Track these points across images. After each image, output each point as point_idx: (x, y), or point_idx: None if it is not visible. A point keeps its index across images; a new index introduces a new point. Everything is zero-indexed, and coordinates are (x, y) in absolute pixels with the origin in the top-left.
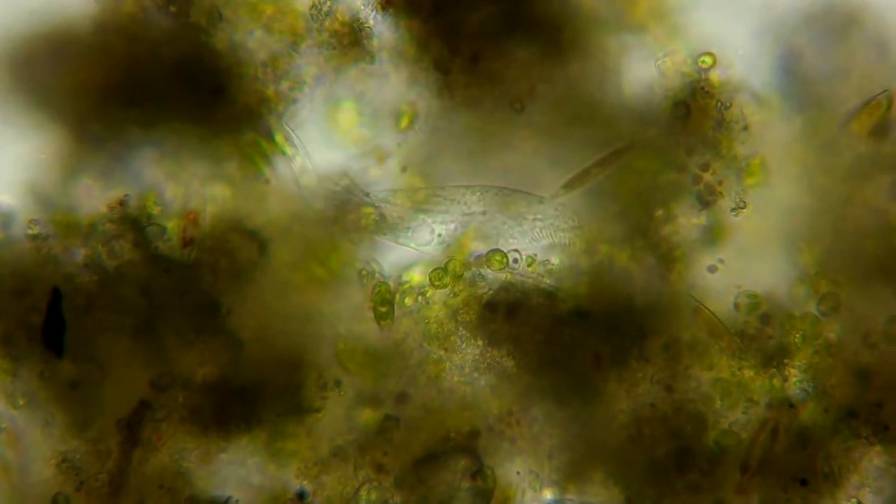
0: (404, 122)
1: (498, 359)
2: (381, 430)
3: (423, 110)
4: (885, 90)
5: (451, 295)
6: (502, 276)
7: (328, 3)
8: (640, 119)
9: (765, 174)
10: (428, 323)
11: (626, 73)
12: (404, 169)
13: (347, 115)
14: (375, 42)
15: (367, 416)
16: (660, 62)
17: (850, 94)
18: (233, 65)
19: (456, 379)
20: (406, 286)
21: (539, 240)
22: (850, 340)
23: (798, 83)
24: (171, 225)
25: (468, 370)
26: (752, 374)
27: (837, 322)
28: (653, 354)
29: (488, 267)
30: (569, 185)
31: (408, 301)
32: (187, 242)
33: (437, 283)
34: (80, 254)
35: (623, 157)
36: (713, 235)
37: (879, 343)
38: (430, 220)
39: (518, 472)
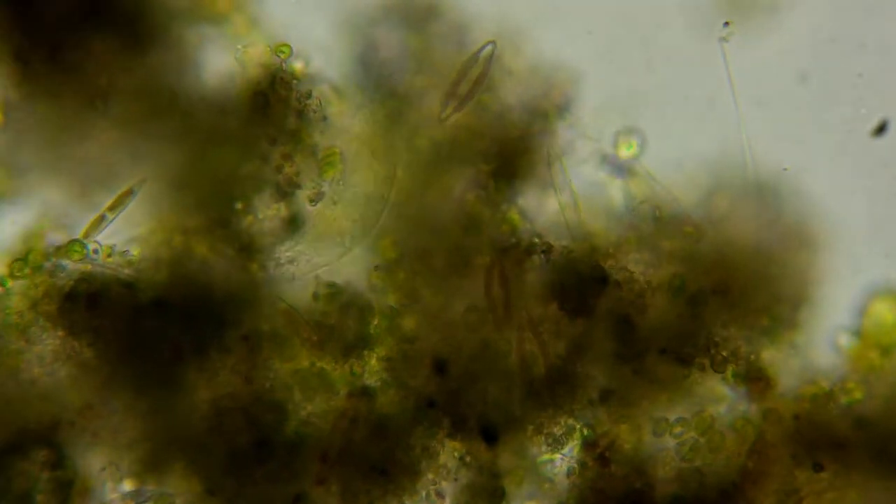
0: None
1: (78, 350)
2: None
3: (2, 101)
4: (491, 41)
5: (32, 285)
6: (82, 266)
7: None
8: (220, 110)
9: (344, 165)
10: (8, 313)
11: (206, 63)
12: None
13: None
14: None
15: None
16: (239, 53)
17: (429, 85)
18: None
19: (36, 370)
20: None
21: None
22: (428, 330)
23: (377, 74)
24: None
25: (49, 361)
26: (331, 364)
27: (416, 312)
28: (233, 345)
29: (67, 257)
30: (88, 233)
31: None
32: None
33: (17, 273)
34: None
35: (131, 197)
36: (292, 226)
37: (458, 332)
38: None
39: (103, 469)
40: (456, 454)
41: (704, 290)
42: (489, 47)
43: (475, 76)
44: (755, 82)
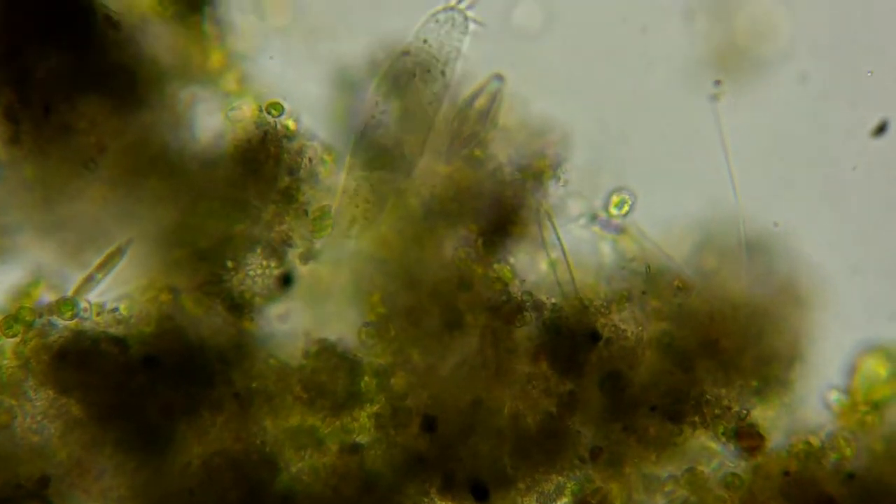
0: None
1: (68, 407)
2: None
3: None
4: (498, 75)
5: (22, 343)
6: (73, 324)
7: None
8: (211, 168)
9: (334, 223)
10: None
11: (197, 122)
12: None
13: None
14: None
15: None
16: (231, 112)
17: (417, 147)
18: None
19: (27, 427)
20: None
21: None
22: (418, 387)
23: (367, 134)
24: None
25: (39, 418)
26: (320, 420)
27: (406, 369)
28: (223, 402)
29: (58, 315)
30: (78, 291)
31: None
32: None
33: (7, 331)
34: None
35: (121, 256)
36: (284, 284)
37: (448, 389)
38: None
39: None
40: None
41: (695, 347)
42: (496, 82)
43: (479, 111)
44: (746, 139)
